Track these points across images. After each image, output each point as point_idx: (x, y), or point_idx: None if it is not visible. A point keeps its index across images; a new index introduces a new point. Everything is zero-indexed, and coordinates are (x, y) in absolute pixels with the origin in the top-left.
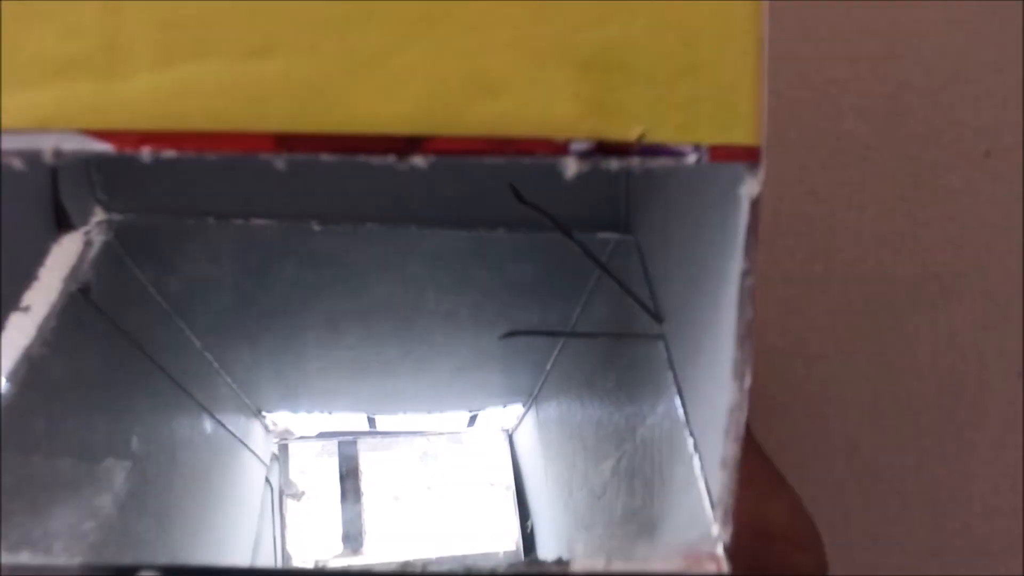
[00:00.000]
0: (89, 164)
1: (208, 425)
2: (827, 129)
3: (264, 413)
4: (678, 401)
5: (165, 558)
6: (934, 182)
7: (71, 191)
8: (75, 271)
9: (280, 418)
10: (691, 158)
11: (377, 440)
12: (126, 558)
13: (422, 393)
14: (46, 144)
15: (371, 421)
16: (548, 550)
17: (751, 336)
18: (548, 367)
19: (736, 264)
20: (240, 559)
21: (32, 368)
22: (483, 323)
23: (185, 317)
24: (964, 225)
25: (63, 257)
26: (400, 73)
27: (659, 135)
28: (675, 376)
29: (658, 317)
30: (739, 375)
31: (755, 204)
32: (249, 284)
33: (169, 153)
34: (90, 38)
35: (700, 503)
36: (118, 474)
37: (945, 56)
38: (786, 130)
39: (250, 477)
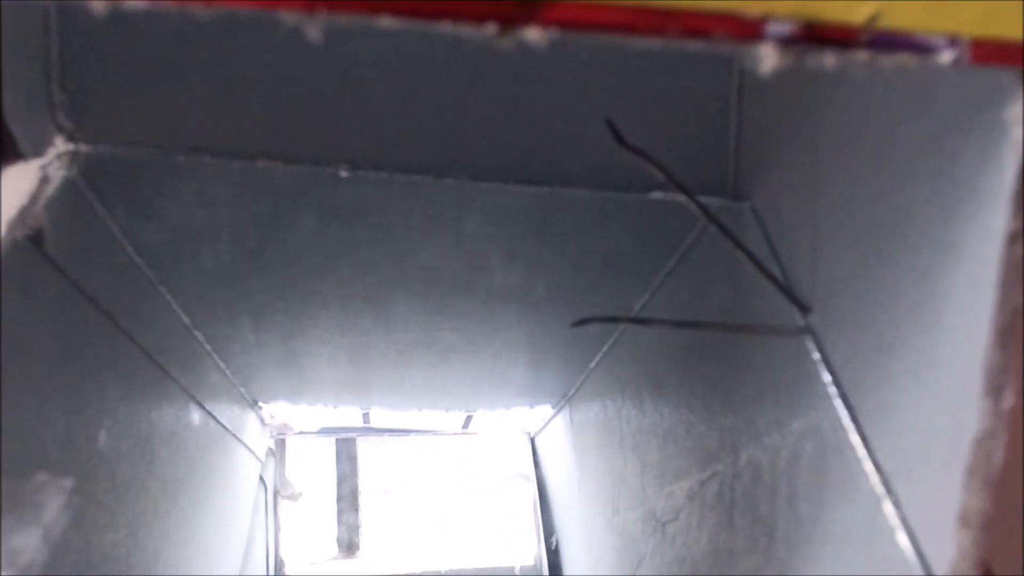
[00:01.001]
0: (49, 77)
1: (196, 416)
2: None
3: (261, 404)
4: (845, 418)
5: None
6: None
7: (22, 111)
8: (24, 214)
9: (278, 410)
10: (945, 56)
11: (383, 439)
12: None
13: (443, 389)
14: None
15: (365, 416)
16: (580, 571)
17: (1018, 330)
18: (593, 365)
19: (991, 226)
20: (229, 569)
21: None
22: (533, 304)
23: (169, 283)
24: None
25: (9, 195)
26: None
27: (900, 17)
28: (837, 384)
29: (804, 306)
30: (994, 388)
31: None
32: (254, 239)
33: None
34: None
35: (896, 565)
36: (51, 498)
37: None
38: None
39: (243, 475)
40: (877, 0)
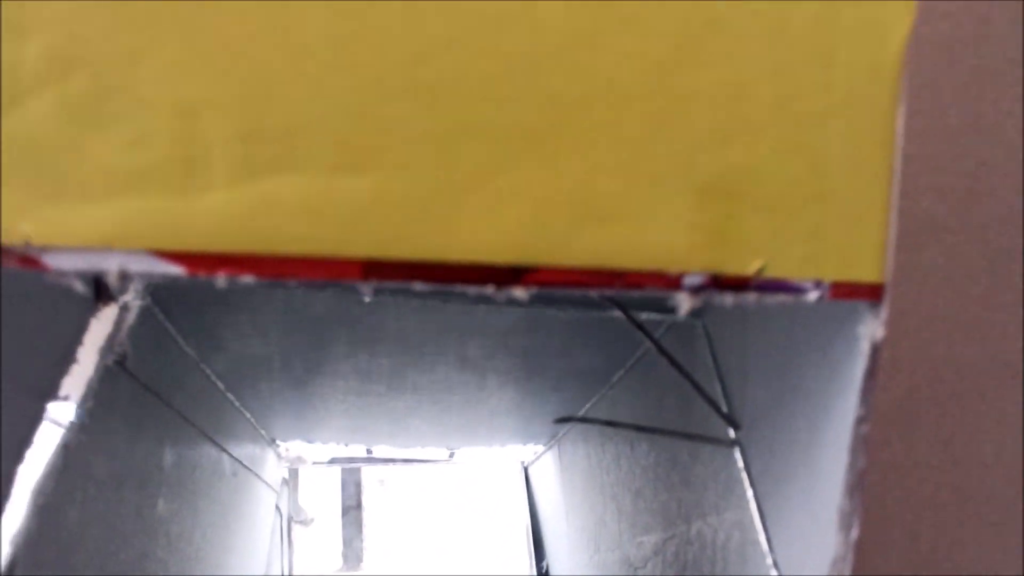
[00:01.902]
0: None
1: (228, 466)
2: (902, 208)
3: (278, 442)
4: (758, 521)
5: None
6: (1010, 267)
7: None
8: (111, 341)
9: (293, 446)
10: (812, 295)
11: (386, 467)
12: None
13: (444, 433)
14: (111, 264)
15: (368, 449)
16: None
17: (862, 487)
18: (579, 414)
19: (848, 407)
20: None
21: (69, 457)
22: (523, 380)
23: (214, 368)
24: None
25: (100, 330)
26: (503, 195)
27: (779, 269)
28: (755, 493)
29: (736, 424)
30: (846, 526)
31: (877, 348)
32: (299, 364)
33: (247, 279)
34: (162, 147)
35: None
36: None
37: None
38: None
39: (263, 508)
40: (763, 258)
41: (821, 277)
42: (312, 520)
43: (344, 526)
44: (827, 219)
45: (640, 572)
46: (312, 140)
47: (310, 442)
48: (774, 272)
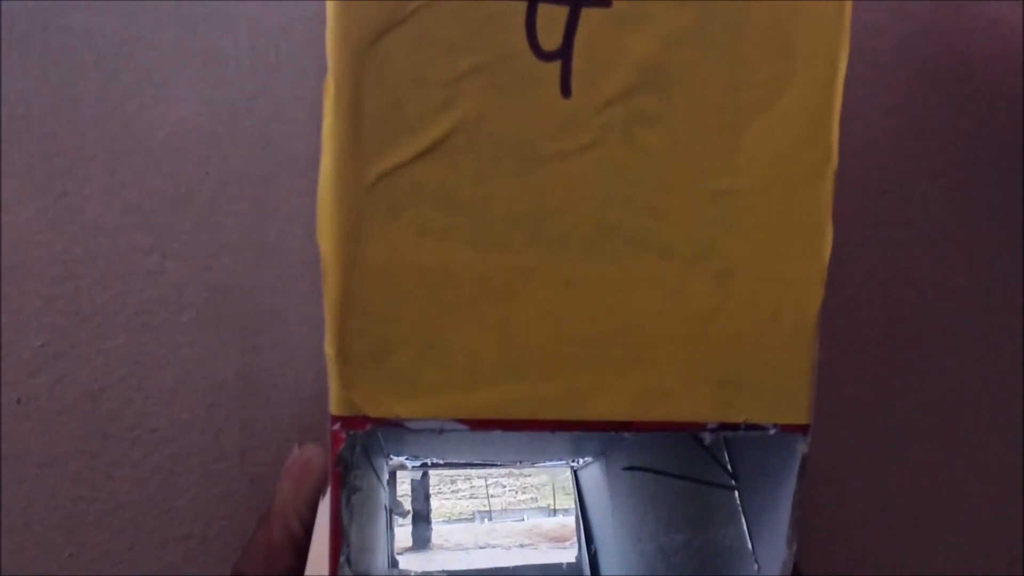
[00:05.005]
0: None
1: (375, 480)
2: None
3: (391, 456)
4: (747, 537)
5: None
6: None
7: None
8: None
9: (398, 459)
10: (771, 431)
11: (452, 470)
12: None
13: (514, 453)
14: (435, 425)
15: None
16: (611, 571)
17: (797, 526)
18: (626, 437)
19: (792, 484)
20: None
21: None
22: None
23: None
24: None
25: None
26: (618, 390)
27: (754, 419)
28: (745, 519)
29: (735, 478)
30: (790, 544)
31: (804, 458)
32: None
33: (496, 431)
34: (460, 372)
35: None
36: None
37: None
38: None
39: (382, 507)
40: (746, 415)
41: (776, 422)
42: (409, 512)
43: (417, 515)
44: (778, 398)
45: (672, 558)
46: (528, 367)
47: (412, 458)
48: (751, 420)
